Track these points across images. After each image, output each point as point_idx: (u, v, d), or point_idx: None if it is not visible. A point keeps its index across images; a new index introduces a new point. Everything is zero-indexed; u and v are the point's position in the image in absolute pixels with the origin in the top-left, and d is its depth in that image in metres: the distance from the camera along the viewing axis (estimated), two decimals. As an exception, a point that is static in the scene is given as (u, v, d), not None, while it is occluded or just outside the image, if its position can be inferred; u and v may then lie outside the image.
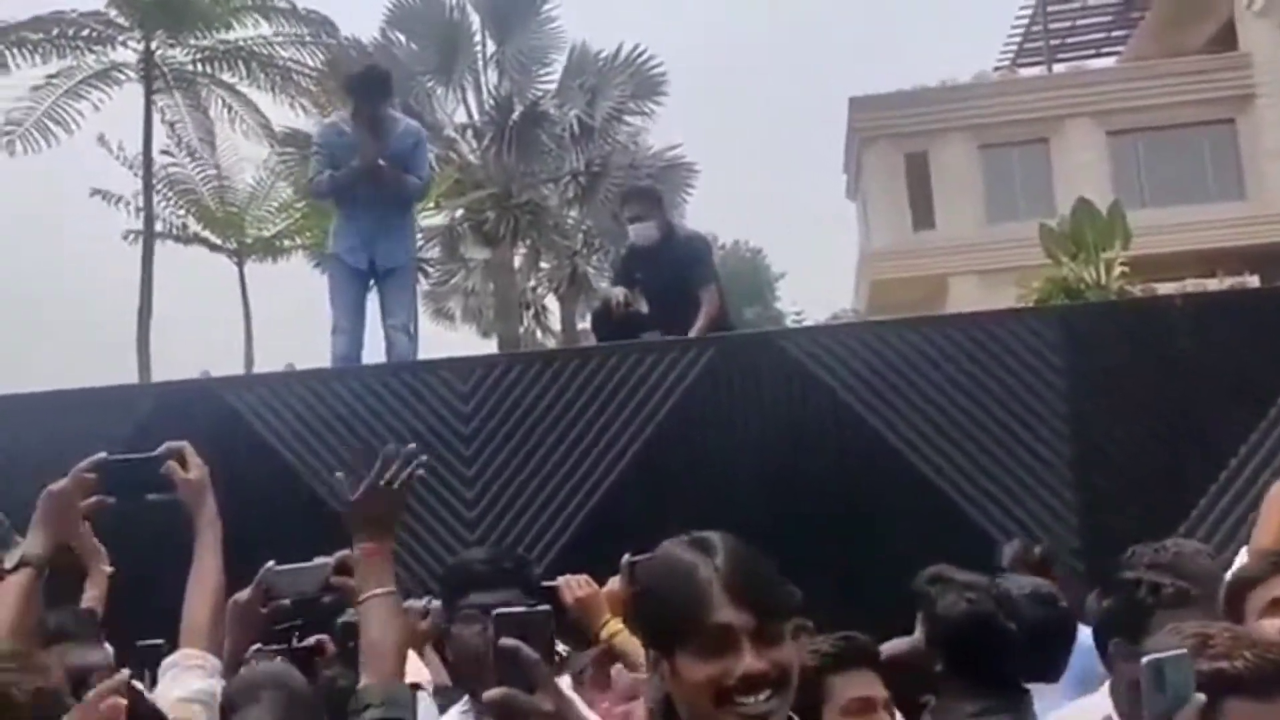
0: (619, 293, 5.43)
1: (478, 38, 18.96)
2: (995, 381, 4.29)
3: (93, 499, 2.15)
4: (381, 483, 1.92)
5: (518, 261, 20.06)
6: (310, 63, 14.66)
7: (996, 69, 27.91)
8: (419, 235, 19.31)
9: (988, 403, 4.28)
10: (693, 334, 5.03)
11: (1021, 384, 4.29)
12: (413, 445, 1.99)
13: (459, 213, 19.10)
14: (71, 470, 2.14)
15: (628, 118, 18.44)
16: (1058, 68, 27.26)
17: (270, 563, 2.31)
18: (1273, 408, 4.27)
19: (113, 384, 4.78)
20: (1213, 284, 17.32)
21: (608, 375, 4.45)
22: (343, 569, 2.16)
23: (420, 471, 2.00)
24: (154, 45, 14.00)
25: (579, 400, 4.47)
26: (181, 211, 15.30)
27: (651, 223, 5.54)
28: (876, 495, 4.26)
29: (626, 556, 2.69)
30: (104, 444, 2.22)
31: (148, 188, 14.04)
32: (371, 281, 5.62)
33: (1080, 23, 27.63)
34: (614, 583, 2.71)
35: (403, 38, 18.90)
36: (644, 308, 5.42)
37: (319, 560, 2.26)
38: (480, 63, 19.07)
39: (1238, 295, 9.39)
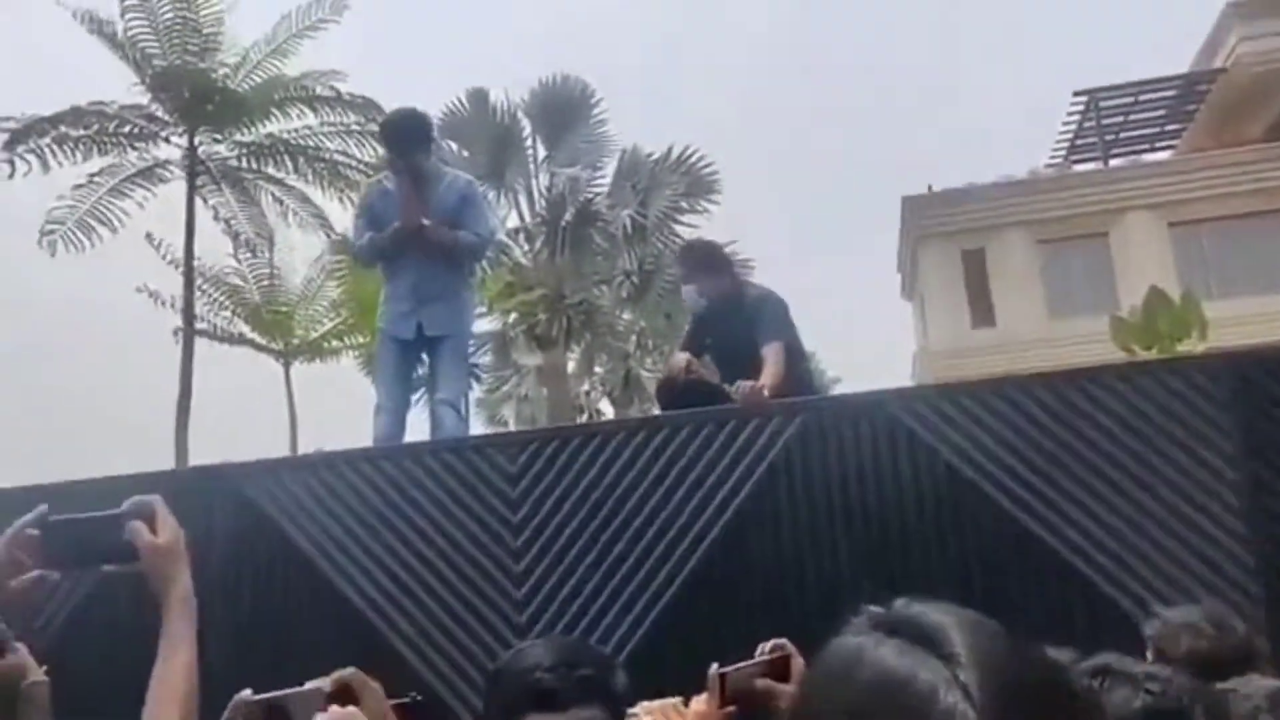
0: (682, 358, 4.93)
1: (529, 142, 19.06)
2: (1143, 443, 3.68)
3: (29, 574, 1.62)
4: None
5: (571, 366, 19.79)
6: (358, 154, 14.51)
7: (1049, 165, 27.65)
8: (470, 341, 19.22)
9: (1131, 466, 3.68)
10: (761, 384, 4.48)
11: (1176, 445, 3.67)
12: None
13: (511, 317, 18.93)
14: (7, 531, 1.61)
15: (681, 217, 18.25)
16: (1113, 162, 26.94)
17: (246, 691, 1.71)
18: None
19: (125, 474, 4.34)
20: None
21: (678, 450, 3.89)
22: (344, 693, 1.67)
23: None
24: (197, 141, 13.93)
25: (645, 480, 3.91)
26: (227, 312, 15.13)
27: (693, 285, 5.09)
28: (999, 575, 3.65)
29: (715, 667, 2.19)
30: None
31: (189, 286, 13.82)
32: (422, 355, 5.21)
33: (1133, 117, 27.38)
34: (699, 702, 2.21)
35: (454, 145, 19.03)
36: (715, 376, 4.92)
37: (310, 685, 1.71)
38: (532, 167, 19.13)
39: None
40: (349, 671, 1.72)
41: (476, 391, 19.45)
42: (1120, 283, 23.41)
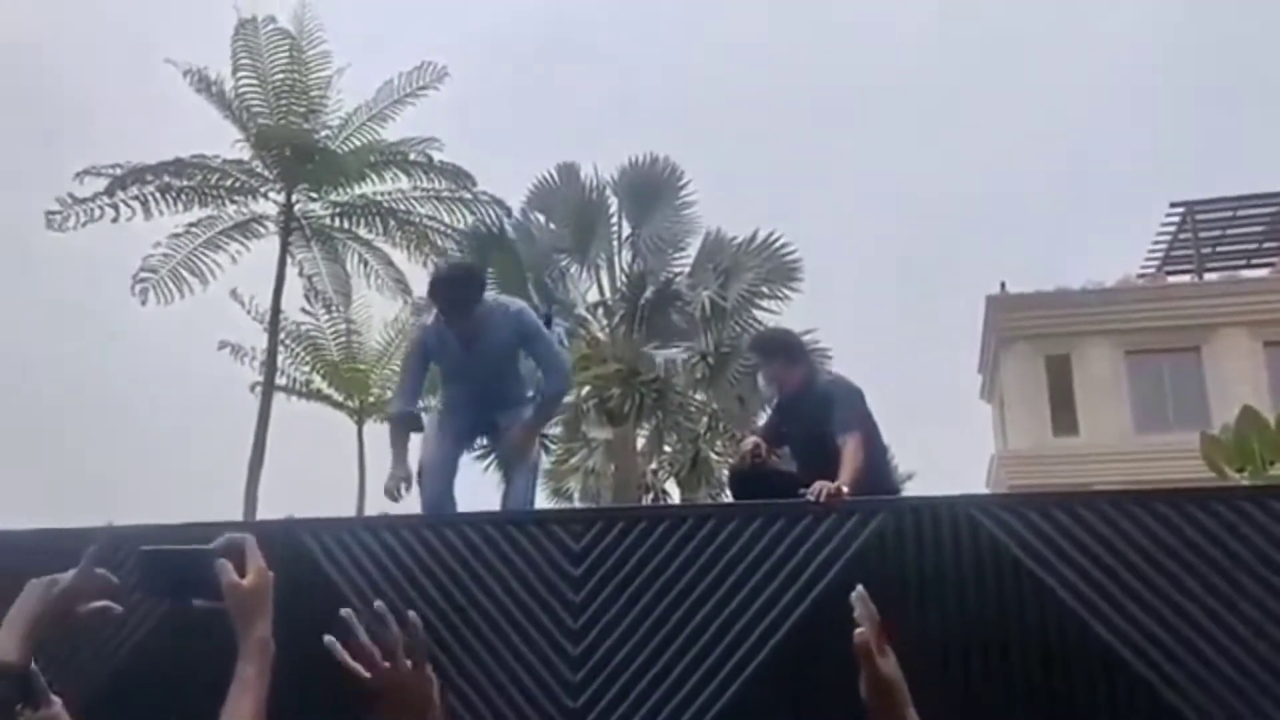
0: (750, 442, 4.78)
1: (614, 219, 19.22)
2: (1244, 572, 3.43)
3: (98, 603, 1.66)
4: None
5: (640, 443, 19.67)
6: (446, 219, 14.70)
7: (1141, 274, 27.13)
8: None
9: (1232, 596, 3.43)
10: (841, 484, 4.30)
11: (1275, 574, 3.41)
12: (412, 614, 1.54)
13: (584, 390, 18.93)
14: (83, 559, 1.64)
15: (761, 301, 18.16)
16: (1207, 276, 26.36)
17: None
18: None
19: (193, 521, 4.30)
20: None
21: (749, 541, 3.72)
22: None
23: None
24: (294, 198, 14.20)
25: (712, 570, 3.75)
26: (306, 368, 15.29)
27: (765, 370, 4.99)
28: (1075, 690, 3.40)
29: None
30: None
31: (273, 340, 14.01)
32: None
33: (1230, 232, 26.84)
34: None
35: (542, 218, 19.28)
36: (791, 466, 4.75)
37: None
38: (616, 243, 19.27)
39: None
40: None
41: (544, 462, 19.41)
42: (1211, 399, 22.74)
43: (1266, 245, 26.88)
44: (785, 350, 5.10)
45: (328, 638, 1.53)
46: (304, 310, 15.18)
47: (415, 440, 5.06)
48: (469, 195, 14.63)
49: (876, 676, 1.59)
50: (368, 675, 1.51)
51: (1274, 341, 23.24)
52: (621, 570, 3.83)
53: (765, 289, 18.23)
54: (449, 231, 14.72)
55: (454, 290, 4.88)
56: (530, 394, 5.18)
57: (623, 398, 17.85)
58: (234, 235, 14.43)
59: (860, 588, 1.64)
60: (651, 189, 18.88)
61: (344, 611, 1.54)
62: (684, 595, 3.72)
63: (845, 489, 4.08)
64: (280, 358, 14.93)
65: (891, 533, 3.66)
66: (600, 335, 19.17)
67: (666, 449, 20.54)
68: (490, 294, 5.24)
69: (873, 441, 4.71)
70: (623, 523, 3.92)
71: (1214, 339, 23.70)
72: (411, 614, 1.56)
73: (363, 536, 3.98)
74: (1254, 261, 27.36)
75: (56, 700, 2.08)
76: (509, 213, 15.70)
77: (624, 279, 19.03)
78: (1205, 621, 3.41)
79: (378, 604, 1.55)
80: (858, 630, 1.59)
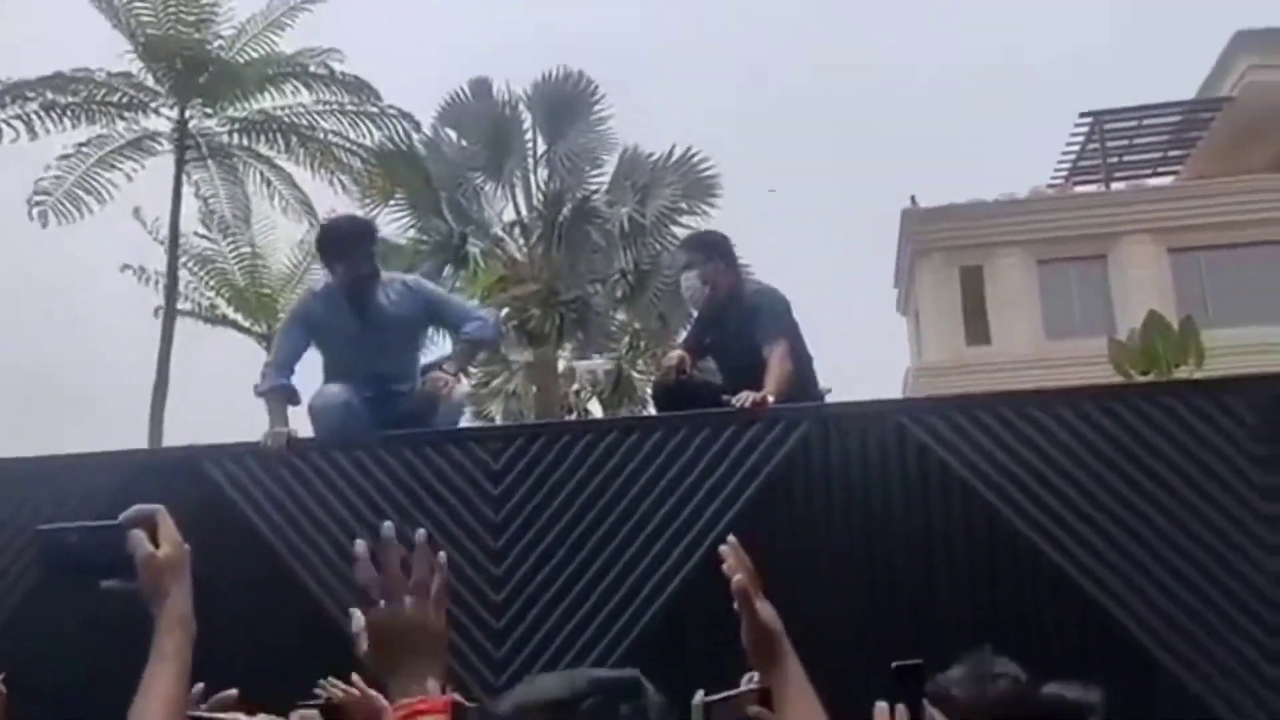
0: (675, 356, 4.64)
1: (529, 135, 18.79)
2: (1168, 469, 3.43)
3: None
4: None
5: (561, 365, 19.54)
6: (352, 135, 14.11)
7: (1051, 185, 27.52)
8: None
9: (1155, 492, 3.43)
10: (767, 394, 4.09)
11: (1199, 469, 3.42)
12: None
13: (504, 311, 18.68)
14: None
15: (679, 218, 17.99)
16: (1115, 185, 26.84)
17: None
18: None
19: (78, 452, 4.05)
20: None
21: (673, 453, 3.63)
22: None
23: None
24: (188, 114, 13.50)
25: (636, 484, 3.65)
26: (211, 292, 14.70)
27: (696, 271, 4.79)
28: (1005, 591, 3.40)
29: (699, 696, 1.95)
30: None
31: (172, 261, 13.39)
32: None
33: (1137, 141, 27.29)
34: None
35: (454, 134, 18.77)
36: (716, 378, 4.65)
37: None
38: (531, 160, 18.86)
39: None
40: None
41: (464, 385, 19.19)
42: (1118, 306, 23.31)
43: (1171, 154, 27.42)
44: (723, 251, 4.90)
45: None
46: (198, 234, 14.53)
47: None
48: (374, 109, 14.01)
49: (755, 623, 1.57)
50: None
51: (1178, 248, 23.82)
52: (543, 488, 3.72)
53: (684, 205, 18.06)
54: (355, 149, 14.12)
55: (345, 239, 4.54)
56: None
57: (543, 318, 17.66)
58: (127, 154, 13.69)
59: (731, 538, 1.63)
60: (566, 104, 18.46)
61: (359, 545, 1.35)
62: (607, 510, 3.62)
63: (771, 398, 3.99)
64: (184, 282, 14.37)
65: (818, 440, 3.59)
66: (518, 255, 18.86)
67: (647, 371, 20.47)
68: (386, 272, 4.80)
69: (799, 351, 4.57)
70: (544, 438, 3.78)
71: (1120, 247, 24.20)
72: (420, 533, 1.35)
73: (270, 463, 3.79)
74: (1159, 170, 27.91)
75: None
76: (417, 127, 15.19)
77: (540, 197, 18.69)
78: (1130, 518, 3.42)
79: (385, 527, 1.33)
80: (735, 577, 1.58)
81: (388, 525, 1.36)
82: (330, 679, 2.68)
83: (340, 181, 13.83)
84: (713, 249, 4.90)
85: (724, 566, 1.59)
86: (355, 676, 2.69)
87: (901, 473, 3.52)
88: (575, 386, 20.61)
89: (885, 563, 3.47)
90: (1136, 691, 3.21)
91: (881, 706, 2.09)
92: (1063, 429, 3.48)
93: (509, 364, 20.17)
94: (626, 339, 19.94)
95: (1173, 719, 3.15)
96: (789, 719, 1.55)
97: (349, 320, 4.45)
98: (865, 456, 3.54)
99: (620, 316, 19.56)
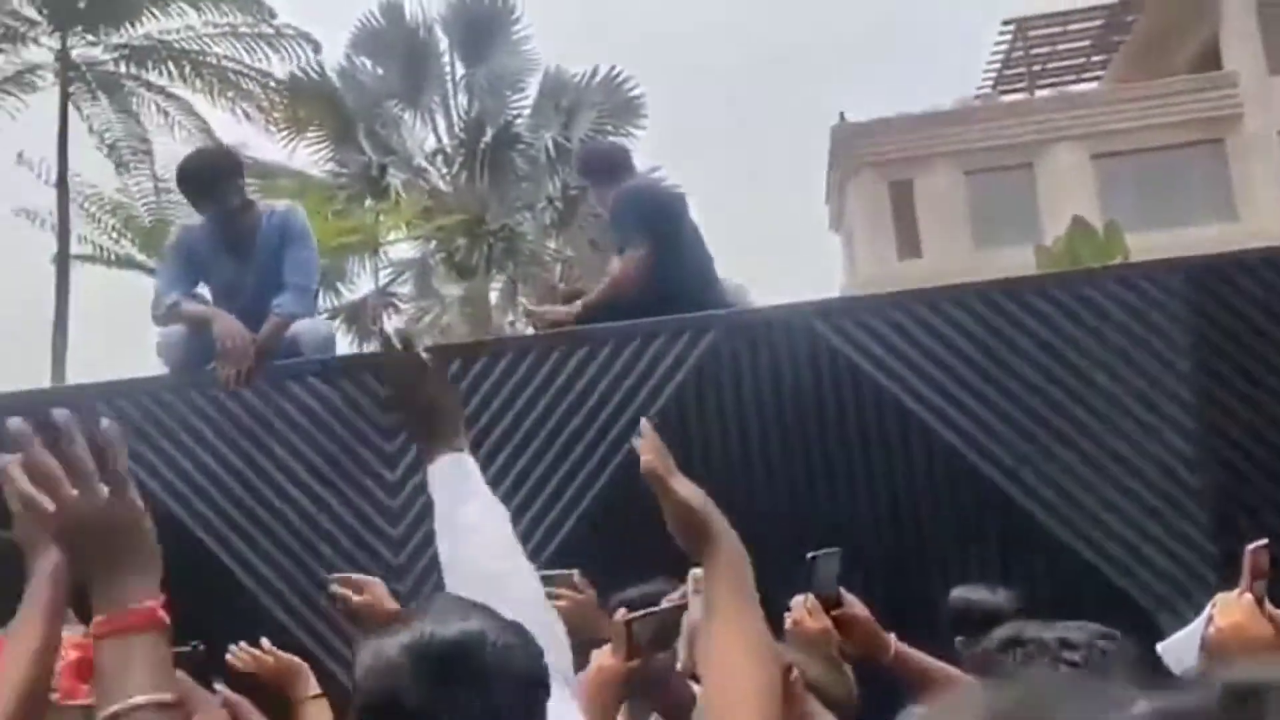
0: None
1: (446, 60, 18.27)
2: (1084, 358, 3.37)
3: None
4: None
5: (494, 296, 19.26)
6: (248, 59, 13.49)
7: (978, 96, 27.54)
8: (387, 270, 18.54)
9: (1070, 382, 3.37)
10: (573, 307, 3.95)
11: (1122, 359, 3.36)
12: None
13: (431, 244, 18.29)
14: None
15: (607, 140, 17.70)
16: (1040, 93, 26.94)
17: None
18: None
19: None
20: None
21: (576, 371, 3.49)
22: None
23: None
24: (70, 42, 12.73)
25: (539, 403, 3.48)
26: (114, 234, 14.03)
27: (594, 191, 4.55)
28: (923, 497, 3.34)
29: (620, 612, 1.92)
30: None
31: (63, 203, 12.73)
32: None
33: (1060, 47, 27.35)
34: (601, 655, 1.90)
35: (368, 62, 18.20)
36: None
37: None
38: (450, 86, 18.37)
39: None
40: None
41: (395, 321, 18.85)
42: (1045, 214, 23.52)
43: (1095, 59, 27.53)
44: (608, 166, 4.57)
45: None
46: (110, 173, 13.87)
47: None
48: (270, 30, 13.30)
49: (674, 501, 1.52)
50: (50, 507, 1.13)
51: (1102, 154, 24.02)
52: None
53: (610, 127, 17.74)
54: (254, 74, 13.48)
55: (205, 168, 4.20)
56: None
57: (470, 249, 17.35)
58: (7, 89, 12.97)
59: (644, 421, 1.61)
60: (484, 25, 17.95)
61: (13, 422, 1.16)
62: (510, 433, 3.48)
63: (573, 312, 3.84)
64: (84, 225, 13.73)
65: (726, 349, 3.46)
66: (441, 185, 18.44)
67: (521, 300, 20.21)
68: (265, 201, 4.44)
69: (679, 253, 4.10)
70: (459, 361, 3.58)
71: (1045, 155, 24.36)
72: (105, 422, 1.16)
73: (145, 401, 3.58)
74: (1083, 76, 28.06)
75: None
76: (318, 48, 14.56)
77: (461, 124, 18.24)
78: (1048, 412, 3.36)
79: (59, 412, 1.15)
80: (643, 459, 1.54)
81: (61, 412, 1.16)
82: (241, 645, 2.57)
83: (244, 111, 13.26)
84: (595, 168, 4.64)
85: (639, 449, 1.54)
86: (265, 641, 2.57)
87: (814, 376, 3.41)
88: (509, 318, 20.39)
89: (799, 464, 3.39)
90: (1052, 582, 3.19)
91: (798, 600, 2.09)
92: (975, 321, 3.40)
93: (440, 298, 19.84)
94: (559, 267, 19.68)
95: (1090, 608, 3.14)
96: (717, 599, 1.47)
97: (226, 263, 4.12)
98: (776, 362, 3.43)
99: (551, 244, 19.28)
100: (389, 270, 17.87)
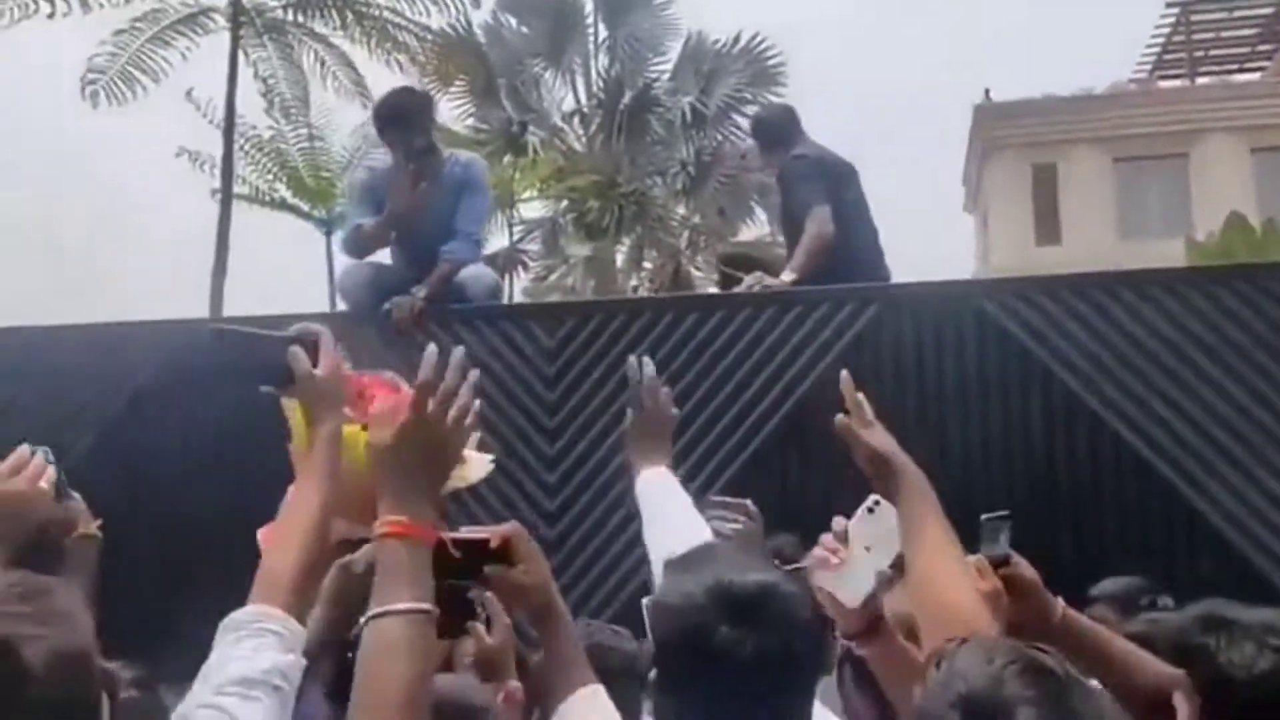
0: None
1: (590, 21, 18.34)
2: (1258, 348, 3.23)
3: None
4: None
5: (620, 259, 19.35)
6: (409, 13, 13.72)
7: (1133, 80, 26.38)
8: (519, 226, 18.73)
9: (1251, 378, 3.23)
10: (785, 276, 3.85)
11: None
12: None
13: (562, 204, 18.43)
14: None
15: (744, 108, 17.52)
16: (1200, 80, 25.67)
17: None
18: None
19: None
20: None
21: (735, 334, 3.49)
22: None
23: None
24: None
25: (696, 364, 3.51)
26: (270, 176, 14.51)
27: (762, 155, 4.47)
28: (1081, 474, 3.25)
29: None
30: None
31: (228, 141, 13.18)
32: None
33: (1225, 34, 25.98)
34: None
35: (513, 20, 18.38)
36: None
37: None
38: (592, 47, 18.43)
39: None
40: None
41: (522, 280, 19.11)
42: (1197, 207, 22.49)
43: (1260, 48, 26.09)
44: (777, 134, 4.55)
45: None
46: (268, 118, 14.35)
47: None
48: (435, -10, 13.55)
49: (868, 449, 1.70)
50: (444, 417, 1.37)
51: (1262, 148, 22.83)
52: (599, 367, 3.60)
53: (749, 94, 17.57)
54: (414, 30, 13.72)
55: (403, 103, 4.32)
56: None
57: (601, 211, 17.44)
58: (181, 30, 13.44)
59: (845, 373, 1.74)
60: (628, -13, 17.96)
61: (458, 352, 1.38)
62: (692, 389, 3.48)
63: (789, 278, 3.77)
64: (243, 165, 14.20)
65: (889, 323, 3.41)
66: (576, 145, 18.57)
67: (647, 264, 20.26)
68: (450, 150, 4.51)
69: (851, 222, 4.10)
70: (600, 316, 3.65)
71: (1202, 145, 23.26)
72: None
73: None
74: (1247, 65, 26.62)
75: (76, 495, 2.17)
76: (477, 4, 14.74)
77: (601, 85, 18.30)
78: (1229, 411, 3.24)
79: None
80: (837, 417, 1.70)
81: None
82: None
83: (398, 62, 13.50)
84: (761, 135, 4.60)
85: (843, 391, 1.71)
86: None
87: (979, 355, 3.34)
88: (633, 281, 20.47)
89: (953, 432, 3.33)
90: (1217, 577, 3.09)
91: (977, 558, 2.10)
92: (1156, 311, 3.28)
93: (566, 258, 20.03)
94: (686, 234, 19.65)
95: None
96: (920, 525, 1.63)
97: (404, 198, 4.26)
98: (940, 339, 3.36)
99: (680, 210, 19.25)
100: (520, 228, 18.10)
